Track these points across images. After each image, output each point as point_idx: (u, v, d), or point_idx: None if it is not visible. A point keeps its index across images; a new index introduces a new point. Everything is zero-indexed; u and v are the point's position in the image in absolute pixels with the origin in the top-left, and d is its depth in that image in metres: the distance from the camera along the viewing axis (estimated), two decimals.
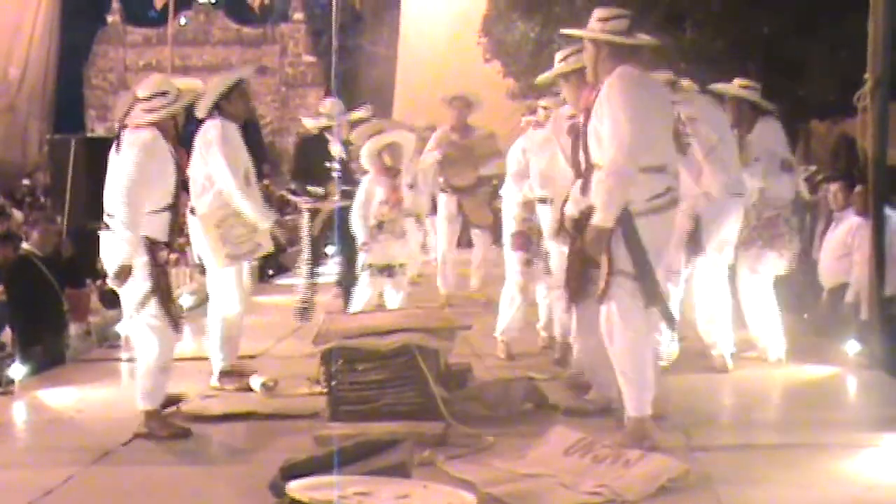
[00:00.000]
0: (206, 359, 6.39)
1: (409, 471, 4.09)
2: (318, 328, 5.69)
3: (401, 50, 22.48)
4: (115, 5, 25.68)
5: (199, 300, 9.64)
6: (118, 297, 5.47)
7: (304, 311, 8.00)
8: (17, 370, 6.45)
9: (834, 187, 9.05)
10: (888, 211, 7.37)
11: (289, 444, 4.91)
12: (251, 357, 6.80)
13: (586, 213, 4.83)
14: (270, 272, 11.90)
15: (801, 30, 11.36)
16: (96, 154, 7.46)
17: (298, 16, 25.72)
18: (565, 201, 5.10)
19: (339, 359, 5.29)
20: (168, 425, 5.27)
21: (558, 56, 5.73)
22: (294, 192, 8.76)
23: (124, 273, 5.09)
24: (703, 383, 6.01)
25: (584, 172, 4.82)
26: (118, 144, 5.21)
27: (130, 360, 6.90)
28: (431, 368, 5.26)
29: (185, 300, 9.28)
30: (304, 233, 8.38)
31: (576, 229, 5.00)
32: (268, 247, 6.33)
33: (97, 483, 4.63)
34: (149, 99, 5.25)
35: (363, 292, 7.07)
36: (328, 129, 8.21)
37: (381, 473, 3.94)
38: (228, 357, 6.25)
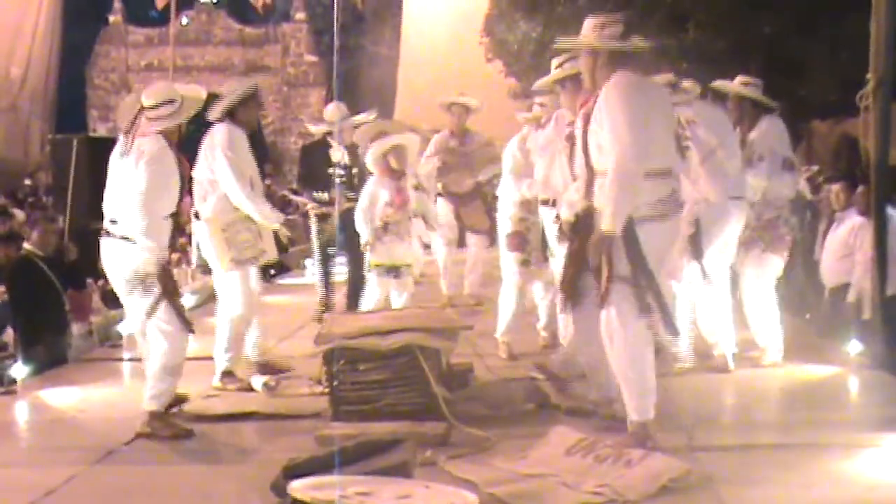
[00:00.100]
0: (207, 358, 6.40)
1: (410, 471, 4.09)
2: (320, 328, 5.69)
3: (402, 50, 22.51)
4: (117, 5, 25.68)
5: (201, 300, 9.65)
6: (119, 297, 5.48)
7: (325, 313, 8.01)
8: (20, 370, 6.46)
9: (836, 187, 9.04)
10: (890, 211, 7.37)
11: (291, 443, 4.91)
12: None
13: (582, 217, 4.83)
14: (272, 272, 11.91)
15: (802, 30, 11.36)
16: (98, 154, 7.46)
17: (300, 15, 25.72)
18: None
19: (340, 359, 5.30)
20: (170, 425, 5.27)
21: (554, 62, 5.74)
22: (296, 193, 8.78)
23: (147, 280, 5.10)
24: (705, 383, 6.01)
25: (585, 177, 4.79)
26: (126, 152, 5.20)
27: (132, 359, 6.93)
28: (433, 368, 5.26)
29: (187, 300, 9.29)
30: (314, 238, 8.40)
31: (572, 232, 5.00)
32: (272, 254, 6.35)
33: (99, 483, 4.64)
34: (155, 107, 5.25)
35: (371, 293, 7.08)
36: (331, 134, 8.22)
37: (382, 473, 3.95)
38: (233, 359, 6.25)
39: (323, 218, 8.26)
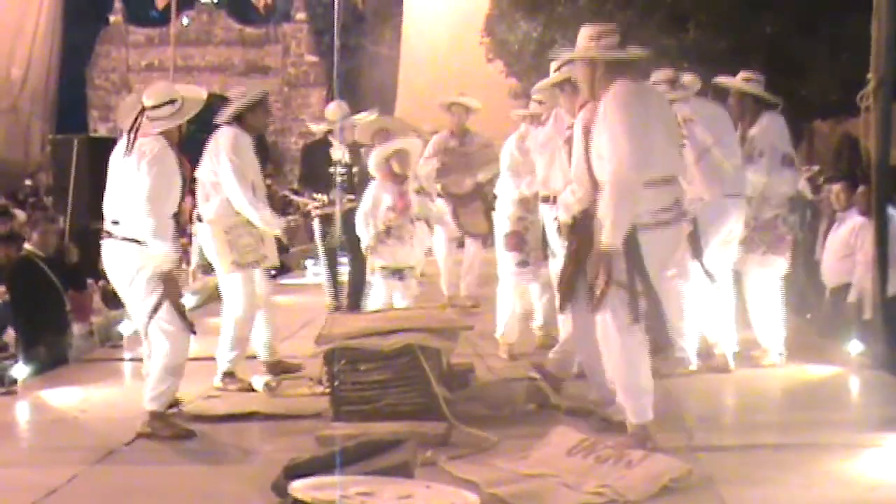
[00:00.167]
0: (208, 359, 6.40)
1: (411, 471, 4.09)
2: (321, 329, 5.69)
3: (403, 50, 22.50)
4: (118, 5, 25.67)
5: (202, 300, 9.66)
6: (120, 298, 5.48)
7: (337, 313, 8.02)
8: (20, 370, 6.46)
9: (836, 187, 9.04)
10: (891, 211, 7.37)
11: (291, 444, 4.91)
12: (253, 357, 6.79)
13: (580, 219, 4.82)
14: (273, 273, 11.91)
15: (803, 30, 11.36)
16: (99, 154, 7.47)
17: (301, 16, 25.71)
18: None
19: (341, 359, 5.30)
20: (171, 425, 5.27)
21: (553, 65, 5.74)
22: (297, 193, 8.78)
23: (153, 280, 5.11)
24: (706, 384, 6.01)
25: (589, 187, 4.77)
26: (128, 153, 5.20)
27: (133, 360, 6.93)
28: (434, 368, 5.27)
29: (187, 300, 9.29)
30: (318, 239, 8.40)
31: (570, 234, 5.00)
32: (274, 259, 6.35)
33: (101, 482, 4.64)
34: (156, 108, 5.25)
35: (377, 295, 7.08)
36: (332, 132, 8.21)
37: (383, 473, 3.95)
38: (235, 359, 6.25)
39: (326, 218, 8.26)
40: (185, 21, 24.68)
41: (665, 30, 11.25)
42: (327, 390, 5.44)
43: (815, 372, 6.23)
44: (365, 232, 7.00)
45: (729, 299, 6.29)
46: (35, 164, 21.01)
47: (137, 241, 5.13)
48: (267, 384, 6.14)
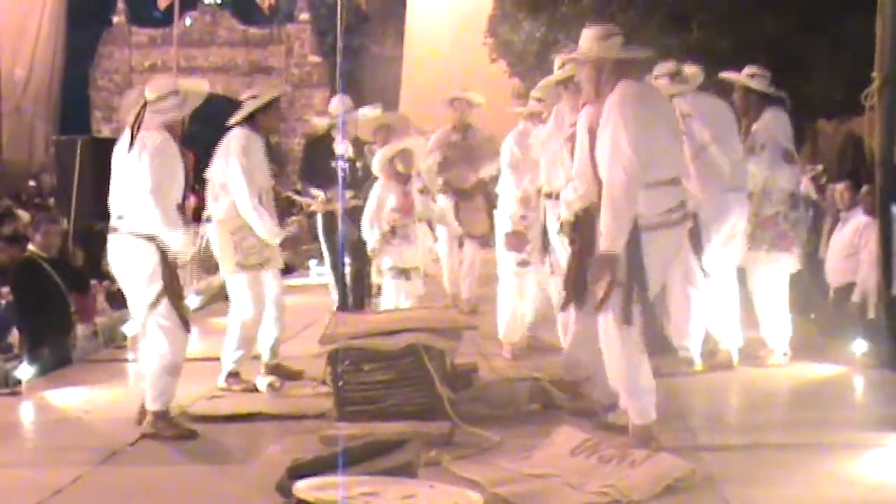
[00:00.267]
0: (211, 359, 6.40)
1: (415, 471, 4.09)
2: (325, 329, 5.70)
3: (406, 50, 22.49)
4: (121, 6, 25.68)
5: (205, 301, 9.67)
6: (125, 298, 5.49)
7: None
8: (25, 371, 6.48)
9: (840, 187, 9.04)
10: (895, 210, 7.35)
11: (295, 444, 4.92)
12: (258, 358, 6.80)
13: (582, 217, 4.82)
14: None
15: (806, 29, 11.33)
16: (102, 155, 7.47)
17: (304, 16, 25.71)
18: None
19: (345, 359, 5.30)
20: (175, 426, 5.28)
21: (556, 63, 5.73)
22: (299, 193, 8.78)
23: (172, 277, 5.15)
24: (709, 383, 6.01)
25: (594, 187, 4.77)
26: (130, 146, 5.21)
27: (137, 360, 6.93)
28: (437, 369, 5.27)
29: (191, 301, 9.30)
30: (322, 238, 8.38)
31: (573, 232, 4.99)
32: (277, 263, 6.33)
33: (105, 483, 4.65)
34: (158, 101, 5.26)
35: (387, 296, 7.07)
36: (335, 127, 8.19)
37: (387, 473, 3.95)
38: (241, 360, 6.25)
39: (328, 216, 8.24)
40: (188, 21, 24.70)
41: (667, 29, 11.23)
42: (331, 391, 5.44)
43: (819, 371, 6.23)
44: (370, 234, 7.00)
45: (733, 296, 6.28)
46: (39, 166, 21.02)
47: (143, 236, 5.14)
48: (271, 385, 6.15)
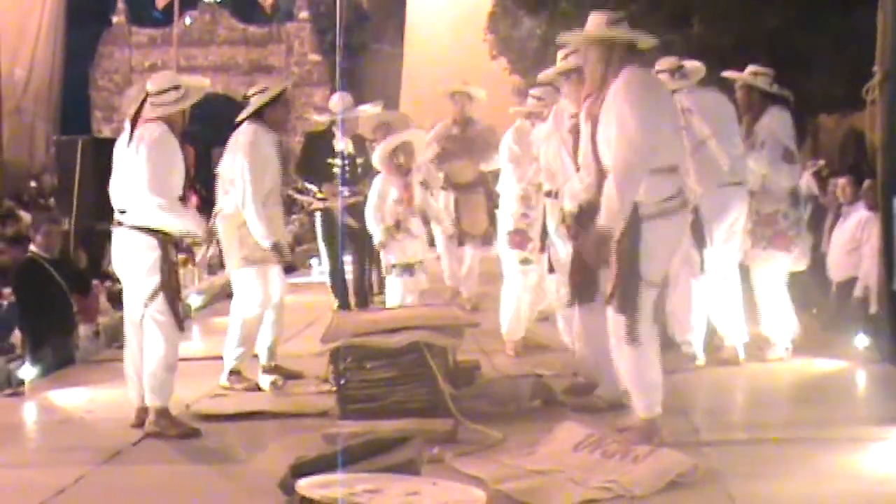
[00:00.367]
0: (214, 358, 6.40)
1: (418, 468, 4.10)
2: (327, 327, 5.69)
3: (406, 48, 22.47)
4: (121, 6, 25.65)
5: (207, 300, 9.67)
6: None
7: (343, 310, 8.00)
8: (27, 371, 6.47)
9: (842, 181, 9.03)
10: None
11: (298, 442, 4.91)
12: (256, 356, 6.80)
13: (585, 209, 4.81)
14: None
15: (807, 24, 11.33)
16: (103, 155, 7.48)
17: (304, 14, 25.69)
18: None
19: (347, 357, 5.30)
20: (177, 424, 5.28)
21: (560, 54, 5.72)
22: (300, 192, 8.76)
23: (170, 273, 5.17)
24: (712, 378, 6.01)
25: (595, 175, 4.77)
26: (130, 138, 5.21)
27: (123, 359, 6.92)
28: (440, 366, 5.27)
29: (193, 300, 9.31)
30: (320, 235, 8.35)
31: (577, 224, 4.99)
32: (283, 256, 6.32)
33: (108, 482, 4.65)
34: (159, 94, 5.27)
35: (393, 294, 7.06)
36: (335, 123, 8.18)
37: (390, 471, 3.95)
38: (242, 357, 6.25)
39: (327, 218, 8.22)
40: (187, 21, 24.67)
41: (669, 25, 11.21)
42: (333, 388, 5.44)
43: (822, 366, 6.22)
44: (376, 227, 7.00)
45: (736, 291, 6.27)
46: (39, 166, 21.02)
47: (145, 230, 5.15)
48: (273, 383, 6.15)
